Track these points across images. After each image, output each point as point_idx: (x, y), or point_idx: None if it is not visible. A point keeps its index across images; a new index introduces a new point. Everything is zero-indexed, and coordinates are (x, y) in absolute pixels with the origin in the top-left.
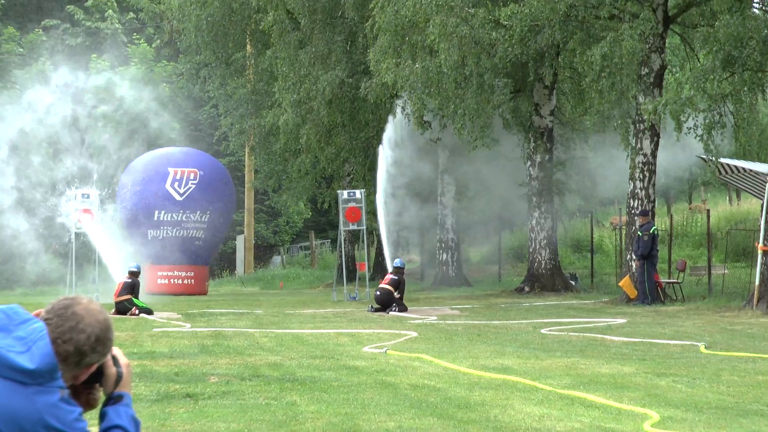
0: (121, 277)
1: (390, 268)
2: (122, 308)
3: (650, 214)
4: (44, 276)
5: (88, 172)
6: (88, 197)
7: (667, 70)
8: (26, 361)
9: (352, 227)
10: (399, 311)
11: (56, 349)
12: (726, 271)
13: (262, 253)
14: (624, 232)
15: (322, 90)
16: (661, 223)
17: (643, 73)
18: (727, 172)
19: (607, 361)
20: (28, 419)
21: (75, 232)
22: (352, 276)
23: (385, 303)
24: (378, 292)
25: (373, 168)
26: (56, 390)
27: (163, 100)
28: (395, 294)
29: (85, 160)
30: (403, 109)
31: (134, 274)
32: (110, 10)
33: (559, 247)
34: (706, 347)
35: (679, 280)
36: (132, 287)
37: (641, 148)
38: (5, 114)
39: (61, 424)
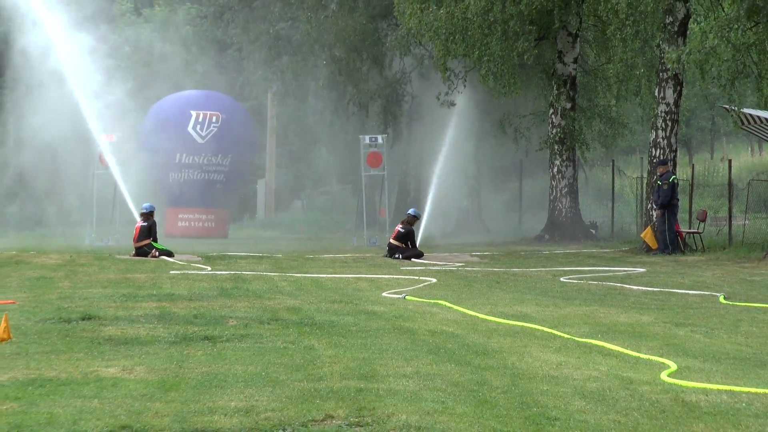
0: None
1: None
2: (142, 252)
3: (670, 163)
4: (65, 217)
5: (110, 114)
6: (111, 140)
7: (691, 19)
8: None
9: (373, 172)
10: (403, 258)
11: None
12: (746, 221)
13: (283, 197)
14: (645, 181)
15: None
16: (682, 173)
17: (667, 21)
18: (749, 123)
19: (626, 310)
20: None
21: (96, 173)
22: (372, 221)
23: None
24: (388, 247)
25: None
26: None
27: (187, 43)
28: (403, 246)
29: (108, 102)
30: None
31: (148, 216)
32: None
33: (580, 195)
34: (725, 298)
35: (699, 230)
36: (149, 230)
37: (664, 97)
38: (27, 55)
39: None
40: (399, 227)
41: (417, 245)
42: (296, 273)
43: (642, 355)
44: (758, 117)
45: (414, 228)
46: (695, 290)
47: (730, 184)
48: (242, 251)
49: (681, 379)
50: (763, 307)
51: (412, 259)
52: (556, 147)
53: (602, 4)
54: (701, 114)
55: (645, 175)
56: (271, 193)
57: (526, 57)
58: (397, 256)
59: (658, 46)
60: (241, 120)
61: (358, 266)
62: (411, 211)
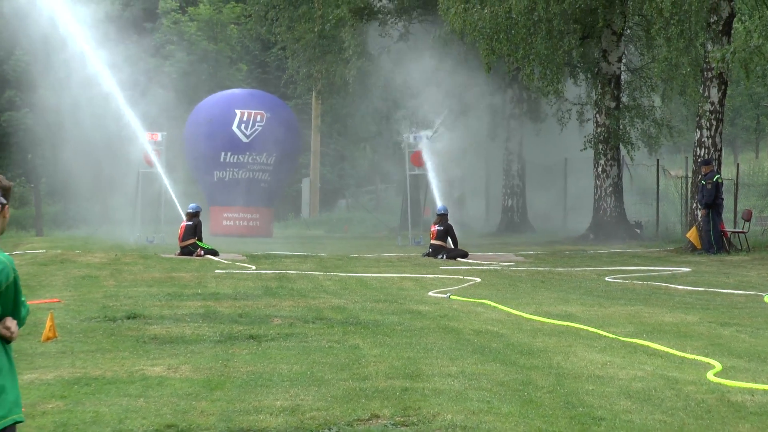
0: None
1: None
2: (187, 251)
3: (714, 162)
4: (110, 216)
5: (155, 112)
6: (155, 139)
7: (735, 18)
8: None
9: (417, 172)
10: (448, 258)
11: None
12: None
13: (328, 196)
14: (690, 180)
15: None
16: (727, 173)
17: (711, 20)
18: None
19: (671, 310)
20: None
21: (141, 172)
22: (416, 221)
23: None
24: (430, 249)
25: None
26: None
27: (231, 42)
28: (447, 245)
29: (152, 101)
30: None
31: (193, 215)
32: None
33: (624, 194)
34: None
35: (744, 230)
36: (194, 229)
37: (708, 97)
38: (70, 53)
39: None
40: (436, 227)
41: (458, 242)
42: (341, 272)
43: (687, 355)
44: None
45: (450, 223)
46: (740, 290)
47: None
48: (287, 250)
49: (726, 378)
50: None
51: (457, 259)
52: (600, 146)
53: (647, 3)
54: (746, 113)
55: (690, 174)
56: (315, 192)
57: (573, 54)
58: (441, 256)
59: (703, 45)
60: (286, 119)
61: (403, 266)
62: (440, 209)
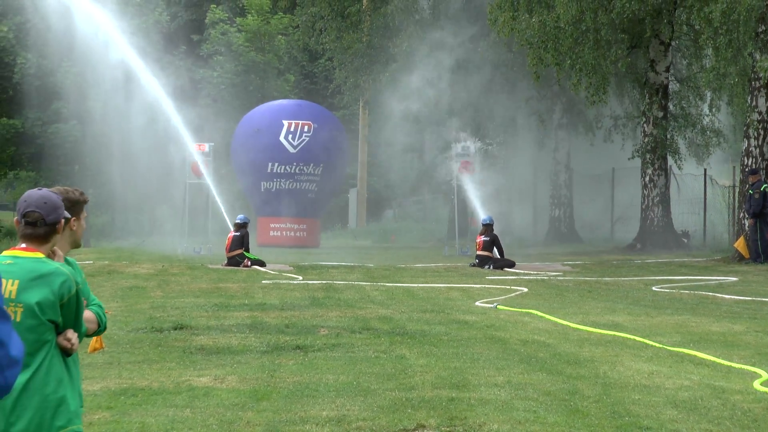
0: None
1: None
2: (234, 262)
3: (761, 172)
4: (158, 227)
5: (203, 123)
6: (203, 150)
7: None
8: None
9: (463, 182)
10: (495, 268)
11: None
12: None
13: (375, 206)
14: (737, 190)
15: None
16: None
17: (760, 30)
18: None
19: (718, 320)
20: None
21: (188, 183)
22: (464, 230)
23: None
24: (477, 260)
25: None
26: None
27: (279, 52)
28: (493, 256)
29: (200, 112)
30: None
31: (241, 226)
32: None
33: (671, 204)
34: None
35: None
36: (241, 240)
37: (756, 106)
38: (118, 65)
39: None
40: (482, 237)
41: (504, 251)
42: (388, 282)
43: (734, 365)
44: None
45: (496, 234)
46: None
47: None
48: (334, 261)
49: None
50: None
51: (505, 269)
52: (647, 156)
53: (695, 12)
54: None
55: (737, 184)
56: (362, 202)
57: (619, 65)
58: (488, 266)
59: (751, 54)
60: (333, 129)
61: (450, 276)
62: (485, 219)
